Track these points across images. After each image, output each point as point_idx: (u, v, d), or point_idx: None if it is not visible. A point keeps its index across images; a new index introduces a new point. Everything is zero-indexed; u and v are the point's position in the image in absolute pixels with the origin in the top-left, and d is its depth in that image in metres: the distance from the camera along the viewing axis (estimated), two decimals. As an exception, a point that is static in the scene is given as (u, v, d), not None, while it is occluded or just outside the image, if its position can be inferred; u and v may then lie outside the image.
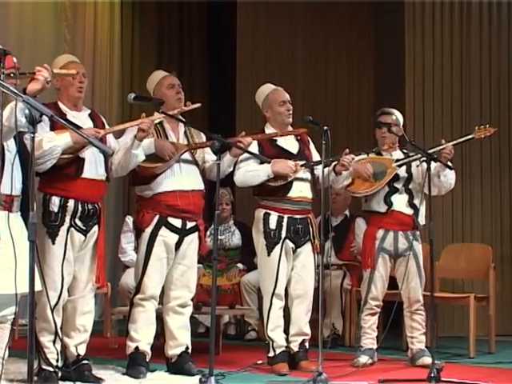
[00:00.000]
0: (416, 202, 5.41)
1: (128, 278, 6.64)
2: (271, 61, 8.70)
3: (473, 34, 7.34)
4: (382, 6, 8.13)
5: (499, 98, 7.39)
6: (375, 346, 5.42)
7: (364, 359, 5.31)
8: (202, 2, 9.50)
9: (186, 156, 4.94)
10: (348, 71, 8.77)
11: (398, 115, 5.56)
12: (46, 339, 4.43)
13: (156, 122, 4.85)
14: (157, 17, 9.18)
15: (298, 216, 5.12)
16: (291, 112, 5.25)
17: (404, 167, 5.43)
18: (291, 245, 5.11)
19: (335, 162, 5.11)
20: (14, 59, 3.46)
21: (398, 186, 5.42)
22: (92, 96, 7.66)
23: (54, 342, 4.45)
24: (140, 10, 8.97)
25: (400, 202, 5.40)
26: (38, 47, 7.31)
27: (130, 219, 7.01)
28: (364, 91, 8.73)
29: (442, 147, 5.29)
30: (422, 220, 5.42)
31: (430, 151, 5.14)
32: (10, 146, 3.88)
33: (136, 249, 5.31)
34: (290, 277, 5.16)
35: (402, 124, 5.59)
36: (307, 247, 5.16)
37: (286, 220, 5.09)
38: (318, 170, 5.15)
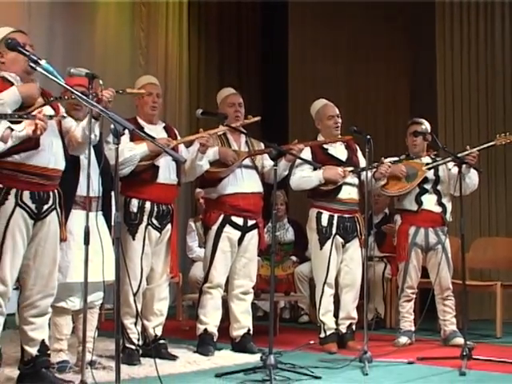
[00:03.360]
0: (444, 201, 5.37)
1: (196, 271, 6.67)
2: (318, 73, 8.46)
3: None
4: (417, 4, 7.69)
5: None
6: (413, 328, 5.36)
7: (403, 340, 5.27)
8: (255, 5, 9.34)
9: (247, 162, 4.95)
10: (386, 76, 8.55)
11: (426, 124, 5.48)
12: (128, 322, 4.48)
13: (220, 133, 4.88)
14: (218, 42, 9.22)
15: (346, 215, 5.08)
16: (339, 125, 5.19)
17: (432, 170, 5.38)
18: (341, 240, 5.07)
19: (374, 170, 5.09)
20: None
21: (427, 187, 5.36)
22: (164, 112, 7.71)
23: (136, 324, 4.51)
24: (205, 39, 9.04)
25: (429, 202, 5.35)
26: (119, 72, 7.47)
27: (191, 221, 7.06)
28: (401, 99, 8.53)
29: (467, 152, 5.19)
30: (449, 217, 5.39)
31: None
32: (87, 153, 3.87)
33: (201, 245, 5.34)
34: (340, 268, 5.11)
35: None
36: (355, 242, 5.11)
37: (336, 218, 5.05)
38: (364, 175, 5.10)
